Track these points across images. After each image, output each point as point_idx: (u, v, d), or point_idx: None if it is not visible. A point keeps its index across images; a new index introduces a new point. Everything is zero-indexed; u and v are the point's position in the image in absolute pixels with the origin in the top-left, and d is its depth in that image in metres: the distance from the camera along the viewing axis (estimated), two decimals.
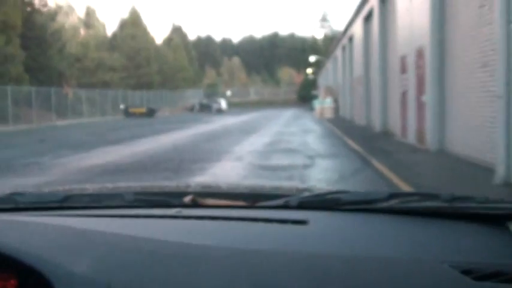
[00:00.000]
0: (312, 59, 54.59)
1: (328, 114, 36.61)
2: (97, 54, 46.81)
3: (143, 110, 45.36)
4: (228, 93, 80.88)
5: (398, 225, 1.24)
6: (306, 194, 1.48)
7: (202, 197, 1.46)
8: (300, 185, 2.53)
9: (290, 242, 1.09)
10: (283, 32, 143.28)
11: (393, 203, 1.31)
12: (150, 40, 59.51)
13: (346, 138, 17.06)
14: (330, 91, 39.03)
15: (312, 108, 60.37)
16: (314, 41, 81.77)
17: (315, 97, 64.34)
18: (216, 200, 1.48)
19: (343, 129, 21.68)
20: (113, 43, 53.42)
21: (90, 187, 1.89)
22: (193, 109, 61.09)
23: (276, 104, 74.66)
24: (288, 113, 48.22)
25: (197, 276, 0.86)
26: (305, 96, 71.68)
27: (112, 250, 0.96)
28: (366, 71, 23.88)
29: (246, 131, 23.42)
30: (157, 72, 59.16)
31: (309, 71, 61.87)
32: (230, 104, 69.07)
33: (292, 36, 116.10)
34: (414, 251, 1.06)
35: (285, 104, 75.17)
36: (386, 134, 18.16)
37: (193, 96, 70.85)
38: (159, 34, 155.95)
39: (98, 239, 1.02)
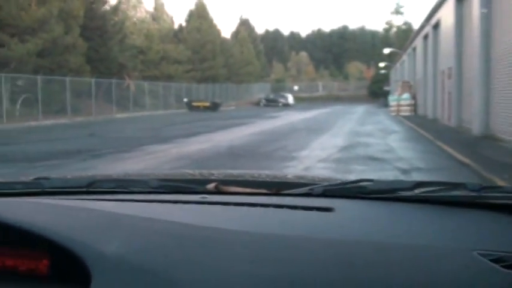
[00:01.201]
0: (386, 51, 50.26)
1: (406, 111, 32.67)
2: (162, 46, 44.62)
3: (207, 103, 43.03)
4: (295, 88, 77.44)
5: (425, 214, 1.22)
6: (330, 182, 1.45)
7: (225, 185, 1.45)
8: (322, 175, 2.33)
9: (316, 228, 1.08)
10: (353, 25, 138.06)
11: (419, 192, 1.29)
12: (217, 33, 57.07)
13: (441, 143, 13.47)
14: (408, 86, 34.96)
15: (385, 105, 56.28)
16: (386, 34, 76.71)
17: (387, 93, 60.10)
18: (240, 188, 1.46)
19: (430, 130, 17.95)
20: (179, 36, 51.29)
21: (114, 174, 1.87)
22: (259, 104, 58.41)
23: (344, 100, 70.60)
24: (359, 109, 44.41)
25: (223, 260, 0.86)
26: (376, 92, 67.14)
27: (140, 232, 0.95)
28: (457, 62, 19.97)
29: (315, 129, 20.21)
30: (223, 66, 56.71)
31: (382, 64, 57.43)
32: (297, 99, 65.83)
33: (362, 30, 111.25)
34: (442, 239, 1.05)
35: (354, 99, 70.92)
36: (488, 138, 14.37)
37: (260, 91, 68.12)
38: (226, 27, 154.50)
39: (126, 221, 1.01)
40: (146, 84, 40.22)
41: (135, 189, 1.44)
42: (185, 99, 43.57)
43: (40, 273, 0.92)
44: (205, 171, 1.84)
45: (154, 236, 0.95)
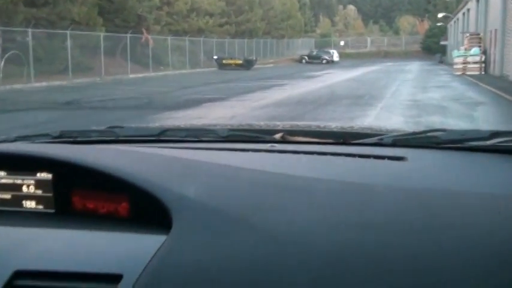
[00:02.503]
0: None
1: (474, 70, 25.81)
2: None
3: (239, 61, 37.07)
4: (342, 43, 69.78)
5: (502, 163, 1.17)
6: (399, 133, 1.39)
7: (292, 134, 1.43)
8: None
9: (390, 176, 1.05)
10: None
11: (495, 141, 1.22)
12: None
13: None
14: (477, 40, 27.80)
15: (441, 61, 48.81)
16: None
17: (444, 48, 52.43)
18: (307, 137, 1.43)
19: None
20: None
21: (183, 125, 1.86)
22: (301, 61, 52.02)
23: (395, 56, 62.91)
24: (413, 67, 37.40)
25: (299, 206, 0.84)
26: (431, 47, 59.18)
27: (216, 178, 0.95)
28: None
29: (360, 98, 14.16)
30: (262, 19, 49.79)
31: (440, 15, 49.30)
32: (343, 56, 58.89)
33: None
34: None
35: (406, 55, 63.12)
36: None
37: (303, 47, 61.32)
38: None
39: (201, 167, 1.01)
40: (169, 39, 34.41)
41: (205, 138, 1.43)
42: (215, 56, 37.64)
43: (120, 216, 0.92)
44: (270, 123, 1.79)
45: (230, 181, 0.94)
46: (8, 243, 0.86)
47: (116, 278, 0.74)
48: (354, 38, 71.66)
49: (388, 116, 10.32)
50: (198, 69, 35.37)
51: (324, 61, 51.29)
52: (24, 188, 0.98)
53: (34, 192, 0.97)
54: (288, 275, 0.71)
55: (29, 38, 22.64)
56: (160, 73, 31.02)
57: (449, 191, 0.94)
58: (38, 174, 0.97)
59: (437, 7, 60.39)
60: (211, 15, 41.01)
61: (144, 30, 30.42)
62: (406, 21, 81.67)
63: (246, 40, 45.65)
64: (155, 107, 13.70)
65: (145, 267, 0.74)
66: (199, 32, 38.33)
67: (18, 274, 0.78)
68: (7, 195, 0.98)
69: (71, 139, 1.43)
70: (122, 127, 1.55)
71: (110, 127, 1.55)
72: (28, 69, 22.54)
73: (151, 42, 30.92)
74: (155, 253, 0.76)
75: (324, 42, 66.88)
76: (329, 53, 53.29)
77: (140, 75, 28.87)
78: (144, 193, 0.86)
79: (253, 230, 0.77)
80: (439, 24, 54.78)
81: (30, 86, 21.29)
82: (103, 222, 0.91)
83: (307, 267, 0.71)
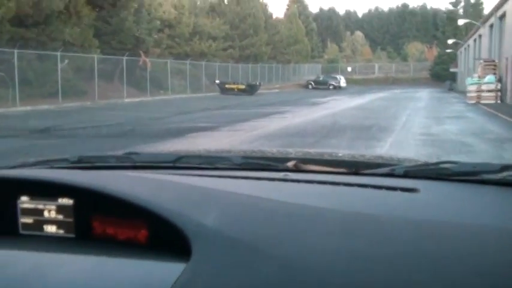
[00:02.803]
0: (461, 22, 40.79)
1: (489, 99, 24.06)
2: (194, 20, 36.97)
3: (242, 86, 35.41)
4: (349, 69, 68.25)
5: None
6: (412, 163, 1.42)
7: (304, 163, 1.44)
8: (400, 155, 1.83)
9: (403, 208, 1.05)
10: (413, 3, 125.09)
11: (506, 174, 1.21)
12: (260, 6, 48.64)
13: None
14: (492, 67, 26.07)
15: (451, 88, 47.04)
16: (452, 11, 65.91)
17: (454, 75, 50.75)
18: (319, 166, 1.44)
19: None
20: (217, 9, 43.55)
21: (198, 150, 1.93)
22: (308, 86, 50.58)
23: (403, 83, 61.30)
24: (423, 94, 35.74)
25: (314, 236, 0.84)
26: (440, 74, 57.52)
27: (233, 206, 0.96)
28: None
29: (367, 128, 12.44)
30: (267, 44, 48.55)
31: (450, 41, 47.57)
32: (350, 81, 57.39)
33: (423, 8, 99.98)
34: None
35: (414, 82, 61.48)
36: None
37: (310, 72, 59.97)
38: (278, 7, 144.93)
39: (218, 195, 1.02)
40: (169, 63, 32.98)
41: (220, 166, 1.44)
42: (217, 81, 36.07)
43: (139, 242, 0.93)
44: (282, 150, 1.81)
45: (247, 210, 0.94)
46: (28, 268, 0.86)
47: None
48: (362, 64, 70.31)
49: (400, 154, 8.55)
50: (199, 94, 33.88)
51: (331, 87, 49.91)
52: (46, 213, 0.99)
53: (55, 217, 0.99)
54: None
55: (15, 59, 21.17)
56: (158, 97, 29.53)
57: (461, 224, 0.94)
58: (60, 200, 0.99)
59: (446, 34, 58.87)
60: (214, 38, 39.69)
61: (141, 53, 28.93)
62: (414, 48, 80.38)
63: (250, 65, 44.32)
64: (136, 135, 12.13)
65: None
66: (202, 55, 36.96)
67: None
68: (29, 220, 1.00)
69: (90, 164, 1.44)
70: (139, 153, 1.57)
71: (127, 153, 1.56)
72: (14, 91, 21.04)
73: (149, 65, 29.47)
74: (175, 281, 0.76)
75: (331, 68, 65.53)
76: (336, 78, 51.82)
77: (137, 99, 27.38)
78: (163, 220, 0.86)
79: (270, 259, 0.77)
80: (448, 50, 53.16)
81: (14, 110, 19.80)
82: (122, 248, 0.91)
83: None
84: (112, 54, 27.08)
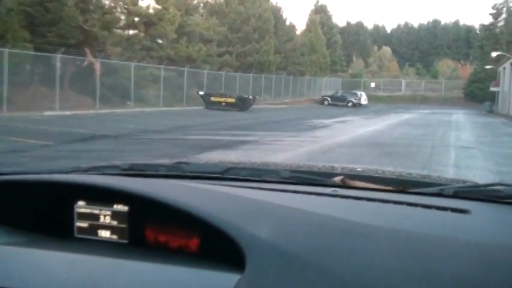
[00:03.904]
0: (494, 54, 32.70)
1: None
2: (182, 17, 29.50)
3: (231, 99, 27.74)
4: (372, 84, 59.86)
5: None
6: (460, 184, 1.38)
7: (351, 179, 1.40)
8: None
9: (455, 229, 1.00)
10: (446, 19, 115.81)
11: None
12: (271, 8, 40.81)
13: None
14: None
15: (491, 111, 38.67)
16: (493, 23, 56.92)
17: (494, 95, 42.30)
18: (366, 183, 1.39)
19: None
20: (215, 8, 35.86)
21: (247, 162, 1.92)
22: (323, 102, 43.01)
23: (433, 102, 52.97)
24: (461, 118, 27.65)
25: (365, 253, 0.82)
26: (475, 94, 49.07)
27: (285, 219, 0.93)
28: None
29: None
30: (276, 51, 40.63)
31: (494, 54, 39.00)
32: (373, 98, 49.42)
33: (455, 25, 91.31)
34: None
35: (446, 102, 53.01)
36: None
37: (329, 87, 52.18)
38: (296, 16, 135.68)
39: (270, 208, 0.99)
40: (133, 67, 24.68)
41: (268, 179, 1.40)
42: (200, 92, 28.40)
43: (190, 251, 0.93)
44: (327, 165, 1.80)
45: (299, 224, 0.91)
46: (82, 271, 0.86)
47: None
48: (387, 80, 61.83)
49: None
50: (177, 108, 26.43)
51: (350, 104, 42.34)
52: (101, 218, 1.00)
53: (110, 222, 1.00)
54: None
55: None
56: (110, 110, 21.54)
57: None
58: (115, 206, 1.00)
59: (485, 48, 50.29)
60: (209, 41, 32.19)
61: (87, 51, 21.34)
62: (445, 65, 71.44)
63: (251, 75, 36.36)
64: None
65: None
66: (190, 61, 29.48)
67: None
68: (85, 224, 1.01)
69: (141, 172, 1.41)
70: (188, 163, 1.53)
71: (177, 162, 1.53)
72: None
73: (97, 67, 21.73)
74: None
75: (353, 83, 57.48)
76: (356, 94, 43.95)
77: (78, 112, 19.77)
78: (216, 231, 0.85)
79: (323, 274, 0.75)
80: (488, 67, 44.41)
81: None
82: (174, 256, 0.91)
83: None
84: (49, 52, 19.73)
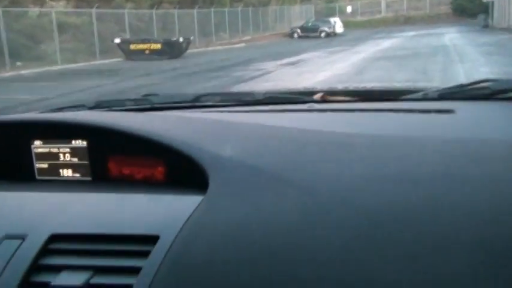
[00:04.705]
0: None
1: None
2: None
3: (157, 45, 20.42)
4: (349, 9, 52.18)
5: None
6: (445, 87, 1.26)
7: (332, 95, 1.31)
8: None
9: (439, 128, 0.96)
10: None
11: None
12: None
13: None
14: None
15: (486, 25, 32.08)
16: None
17: (488, 6, 35.45)
18: (348, 97, 1.30)
19: None
20: None
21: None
22: (293, 35, 36.36)
23: (418, 22, 45.90)
24: (452, 37, 21.55)
25: (339, 161, 0.78)
26: (465, 7, 42.16)
27: (254, 137, 0.90)
28: None
29: None
30: None
31: None
32: (351, 25, 42.42)
33: None
34: None
35: (432, 20, 45.92)
36: None
37: (302, 17, 44.74)
38: None
39: (238, 127, 0.95)
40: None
41: (241, 102, 1.31)
42: (116, 40, 20.86)
43: (156, 180, 0.89)
44: (308, 87, 1.70)
45: (268, 140, 0.87)
46: (44, 208, 0.83)
47: (153, 239, 0.71)
48: (366, 3, 54.10)
49: None
50: (83, 63, 19.33)
51: (323, 34, 35.82)
52: (61, 157, 0.95)
53: (70, 160, 0.95)
54: (328, 231, 0.66)
55: None
56: None
57: (502, 141, 0.85)
58: (73, 142, 0.94)
59: None
60: None
61: None
62: None
63: (195, 11, 28.37)
64: None
65: (182, 228, 0.70)
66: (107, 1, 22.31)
67: (55, 237, 0.74)
68: (44, 165, 0.96)
69: (106, 109, 1.32)
70: (157, 95, 1.45)
71: (146, 95, 1.46)
72: None
73: None
74: (192, 213, 0.72)
75: (328, 10, 49.96)
76: (329, 22, 37.07)
77: None
78: (180, 155, 0.82)
79: (292, 186, 0.72)
80: None
81: None
82: (140, 187, 0.87)
83: (349, 223, 0.65)
84: None
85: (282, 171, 0.74)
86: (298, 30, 36.72)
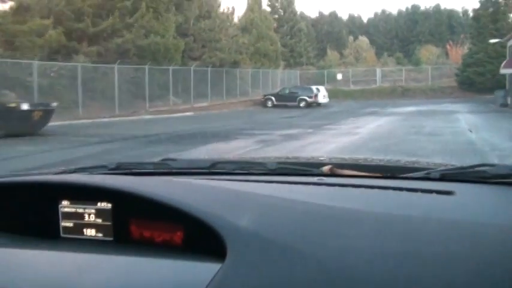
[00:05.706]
0: None
1: None
2: None
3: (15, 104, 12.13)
4: (339, 76, 45.01)
5: None
6: (447, 167, 1.32)
7: (340, 168, 1.36)
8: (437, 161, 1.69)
9: (438, 210, 0.97)
10: (425, 3, 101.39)
11: None
12: None
13: None
14: None
15: (505, 104, 24.72)
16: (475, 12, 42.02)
17: (503, 80, 28.27)
18: (354, 171, 1.35)
19: None
20: None
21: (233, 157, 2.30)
22: (266, 103, 29.48)
23: (418, 94, 38.88)
24: (483, 129, 13.32)
25: (347, 236, 0.81)
26: (473, 81, 35.18)
27: (269, 209, 0.91)
28: None
29: None
30: (182, 32, 25.49)
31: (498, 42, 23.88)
32: (340, 94, 35.52)
33: (437, 9, 77.54)
34: None
35: (435, 94, 38.86)
36: None
37: (286, 82, 37.83)
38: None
39: (254, 198, 0.97)
40: None
41: (255, 171, 1.36)
42: None
43: (175, 244, 0.91)
44: (316, 156, 1.72)
45: (281, 212, 0.89)
46: (68, 268, 0.85)
47: None
48: (360, 70, 47.28)
49: None
50: None
51: (303, 103, 28.75)
52: (86, 217, 0.98)
53: (94, 220, 0.98)
54: None
55: None
56: None
57: (498, 225, 0.87)
58: (99, 204, 0.97)
59: (482, 20, 36.12)
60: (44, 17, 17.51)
61: None
62: (428, 52, 56.92)
63: (116, 65, 20.26)
64: None
65: None
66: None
67: None
68: (70, 223, 0.99)
69: (128, 171, 1.37)
70: (175, 160, 1.50)
71: (164, 159, 1.50)
72: None
73: None
74: (210, 281, 0.73)
75: (316, 76, 43.07)
76: (311, 90, 29.85)
77: None
78: (198, 222, 0.83)
79: (303, 258, 0.74)
80: (493, 41, 29.81)
81: None
82: (159, 250, 0.89)
83: None
84: None
85: (295, 243, 0.76)
86: (273, 98, 29.53)
